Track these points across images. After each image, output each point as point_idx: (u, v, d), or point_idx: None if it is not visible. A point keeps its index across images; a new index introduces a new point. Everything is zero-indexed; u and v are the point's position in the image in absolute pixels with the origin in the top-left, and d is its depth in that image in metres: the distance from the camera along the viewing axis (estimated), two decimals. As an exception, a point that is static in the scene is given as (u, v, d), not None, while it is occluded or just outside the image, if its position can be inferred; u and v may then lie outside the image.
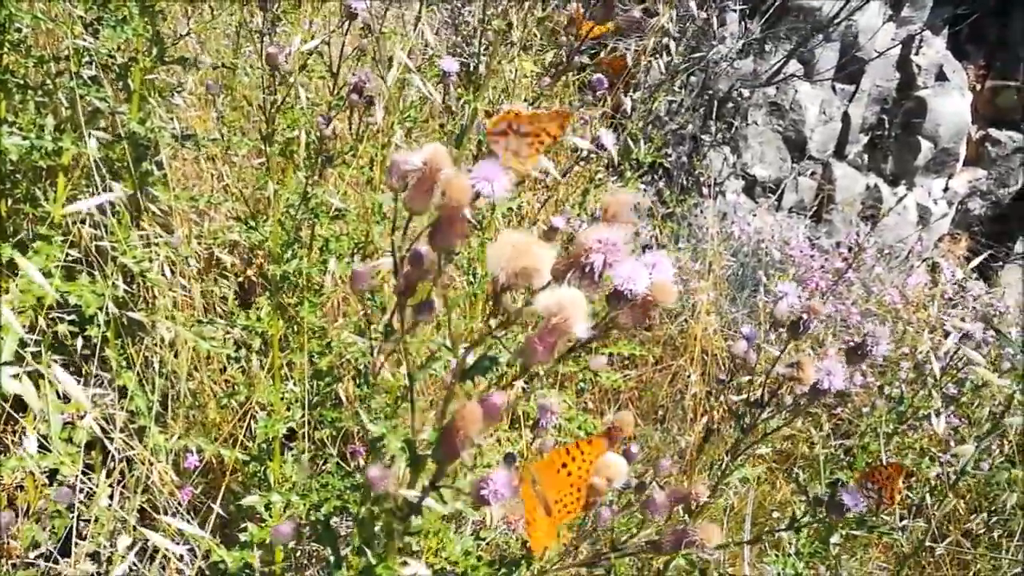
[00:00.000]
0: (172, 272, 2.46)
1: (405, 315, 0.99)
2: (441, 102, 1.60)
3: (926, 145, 4.65)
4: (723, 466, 1.40)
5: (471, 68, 1.57)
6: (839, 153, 4.68)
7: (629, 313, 0.94)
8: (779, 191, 4.66)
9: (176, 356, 2.49)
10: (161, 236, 2.32)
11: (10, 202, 2.73)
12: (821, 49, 4.33)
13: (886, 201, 4.69)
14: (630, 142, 2.71)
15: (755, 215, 4.50)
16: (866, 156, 4.76)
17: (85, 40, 2.33)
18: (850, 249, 4.57)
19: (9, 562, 2.31)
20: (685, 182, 4.42)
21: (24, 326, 2.36)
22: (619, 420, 1.10)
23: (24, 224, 2.62)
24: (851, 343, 1.28)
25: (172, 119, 2.51)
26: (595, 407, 3.66)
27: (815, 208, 4.71)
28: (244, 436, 2.18)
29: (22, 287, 2.37)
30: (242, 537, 1.99)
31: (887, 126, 4.67)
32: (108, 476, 2.27)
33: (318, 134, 1.52)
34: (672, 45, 2.62)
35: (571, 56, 1.35)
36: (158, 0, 2.39)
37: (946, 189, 4.85)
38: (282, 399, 1.98)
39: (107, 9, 2.36)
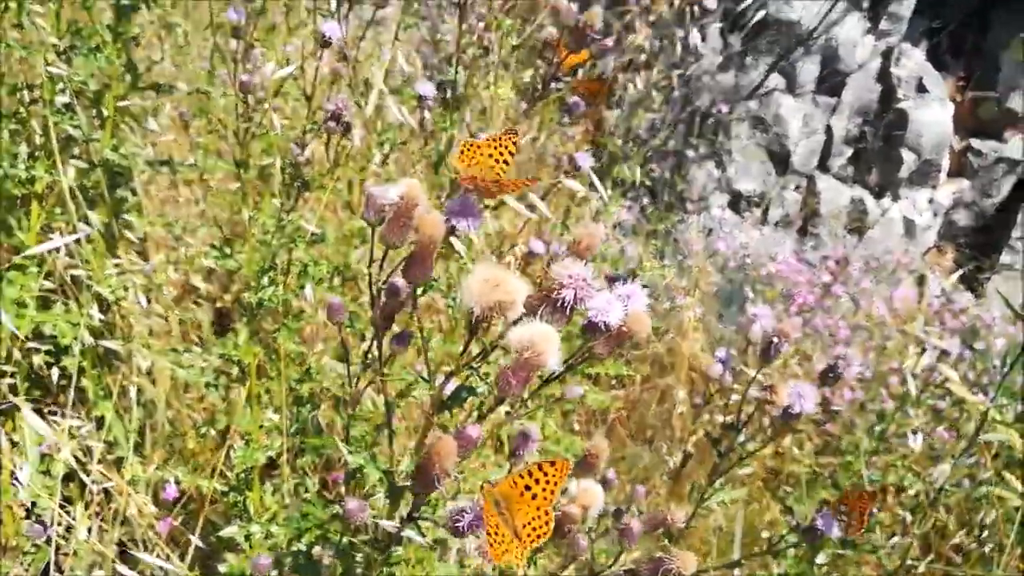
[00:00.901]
0: (148, 300, 2.43)
1: (383, 346, 0.98)
2: (418, 127, 1.58)
3: (909, 157, 4.66)
4: (702, 491, 1.38)
5: (447, 92, 1.55)
6: (823, 166, 4.69)
7: (604, 343, 0.93)
8: (764, 205, 4.66)
9: (154, 384, 2.46)
10: (136, 264, 2.29)
11: (-17, 231, 2.70)
12: (802, 63, 4.35)
13: (871, 213, 4.70)
14: (620, 161, 2.71)
15: (740, 230, 4.50)
16: (850, 168, 4.77)
17: (59, 68, 2.31)
18: (837, 263, 4.57)
19: (-16, 599, 2.27)
20: (669, 198, 4.42)
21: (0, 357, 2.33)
22: (594, 447, 1.08)
23: (-1, 254, 2.59)
24: (824, 365, 1.27)
25: (147, 145, 2.49)
26: (583, 428, 3.64)
27: (801, 222, 4.71)
28: (224, 465, 2.15)
29: (-4, 318, 2.34)
30: (221, 569, 1.95)
31: (870, 138, 4.69)
32: (87, 508, 2.23)
33: (291, 160, 1.50)
34: (649, 62, 2.63)
35: (547, 82, 1.34)
36: (131, 27, 2.38)
37: (931, 201, 4.87)
38: (261, 427, 1.95)
39: (80, 37, 2.35)
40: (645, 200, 4.54)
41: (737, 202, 4.65)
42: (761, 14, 4.19)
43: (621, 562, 1.05)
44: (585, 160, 1.70)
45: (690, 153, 4.34)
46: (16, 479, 2.26)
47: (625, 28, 2.73)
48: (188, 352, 1.82)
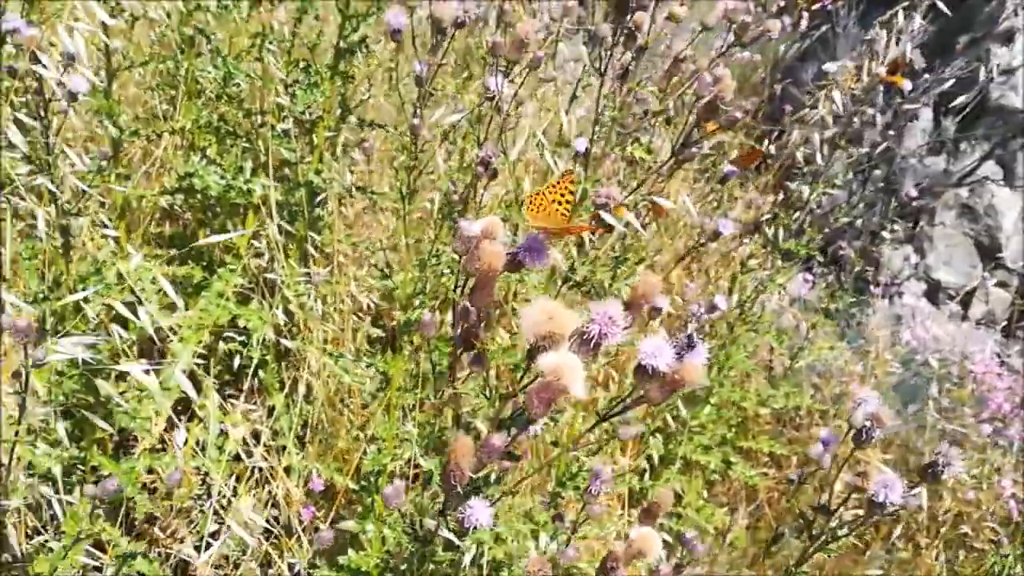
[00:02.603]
0: (328, 308, 2.69)
1: (458, 364, 1.08)
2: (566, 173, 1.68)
3: None
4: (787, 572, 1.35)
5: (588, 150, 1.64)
6: (1040, 265, 4.29)
7: (658, 389, 0.97)
8: (966, 299, 4.33)
9: (325, 385, 2.71)
10: (319, 274, 2.56)
11: (209, 231, 3.11)
12: (1023, 153, 4.03)
13: (1094, 324, 4.22)
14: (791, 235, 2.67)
15: (935, 322, 4.20)
16: (1073, 273, 4.33)
17: (283, 99, 2.66)
18: (1046, 372, 4.13)
19: (154, 548, 2.58)
20: (857, 279, 4.23)
21: (200, 342, 2.68)
22: (658, 496, 1.11)
23: (215, 252, 2.98)
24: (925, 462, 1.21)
25: (347, 172, 2.78)
26: (729, 501, 3.53)
27: (1007, 322, 4.32)
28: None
29: (202, 306, 2.69)
30: (340, 560, 2.11)
31: (1101, 242, 4.23)
32: (244, 485, 2.49)
33: (448, 197, 1.66)
34: (828, 135, 2.58)
35: (676, 150, 1.40)
36: (351, 67, 2.69)
37: None
38: (396, 436, 2.10)
39: (307, 73, 2.69)
40: (830, 278, 4.37)
41: (935, 293, 4.35)
42: (980, 98, 3.94)
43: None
44: (727, 227, 1.72)
45: (886, 235, 4.13)
46: (198, 449, 2.59)
47: (811, 106, 2.70)
48: (342, 357, 2.01)
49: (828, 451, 1.34)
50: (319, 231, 2.72)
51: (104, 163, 2.81)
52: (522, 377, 1.00)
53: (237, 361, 2.54)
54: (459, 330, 1.06)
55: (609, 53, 1.39)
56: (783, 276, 2.97)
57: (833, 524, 1.31)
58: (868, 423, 1.22)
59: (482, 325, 1.01)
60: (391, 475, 2.11)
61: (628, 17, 1.37)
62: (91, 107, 2.65)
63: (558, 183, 1.12)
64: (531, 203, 1.12)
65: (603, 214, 1.27)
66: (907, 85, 2.52)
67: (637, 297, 0.98)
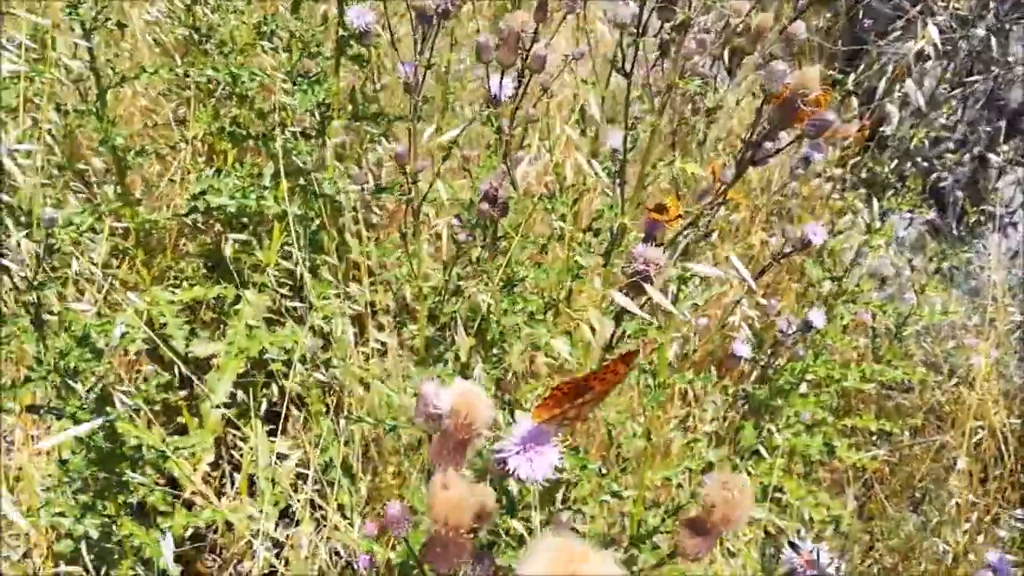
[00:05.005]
0: (363, 324, 2.44)
1: None
2: (610, 182, 1.33)
3: None
4: None
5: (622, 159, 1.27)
6: None
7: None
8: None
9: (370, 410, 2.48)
10: (349, 291, 2.31)
11: (237, 246, 2.88)
12: None
13: None
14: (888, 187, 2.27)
15: (1058, 253, 3.68)
16: None
17: (287, 98, 2.38)
18: None
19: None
20: (964, 213, 3.73)
21: (237, 367, 2.48)
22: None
23: (243, 268, 2.74)
24: None
25: (369, 173, 2.48)
26: (832, 483, 3.18)
27: None
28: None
29: (230, 339, 2.48)
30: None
31: None
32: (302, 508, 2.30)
33: (453, 233, 1.35)
34: (929, 66, 2.15)
35: (742, 163, 1.03)
36: (359, 52, 2.38)
37: None
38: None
39: (318, 61, 2.38)
40: (932, 214, 3.87)
41: (1056, 219, 3.81)
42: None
43: None
44: (819, 235, 1.36)
45: (993, 158, 3.61)
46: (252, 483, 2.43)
47: (904, 26, 2.26)
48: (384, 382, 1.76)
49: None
50: (344, 243, 2.45)
51: (113, 189, 2.59)
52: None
53: (272, 390, 2.35)
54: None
55: (635, 45, 1.03)
56: (882, 237, 2.55)
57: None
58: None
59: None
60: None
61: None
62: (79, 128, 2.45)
63: (605, 371, 0.73)
64: (543, 407, 0.72)
65: (644, 285, 0.90)
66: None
67: (715, 523, 0.61)
